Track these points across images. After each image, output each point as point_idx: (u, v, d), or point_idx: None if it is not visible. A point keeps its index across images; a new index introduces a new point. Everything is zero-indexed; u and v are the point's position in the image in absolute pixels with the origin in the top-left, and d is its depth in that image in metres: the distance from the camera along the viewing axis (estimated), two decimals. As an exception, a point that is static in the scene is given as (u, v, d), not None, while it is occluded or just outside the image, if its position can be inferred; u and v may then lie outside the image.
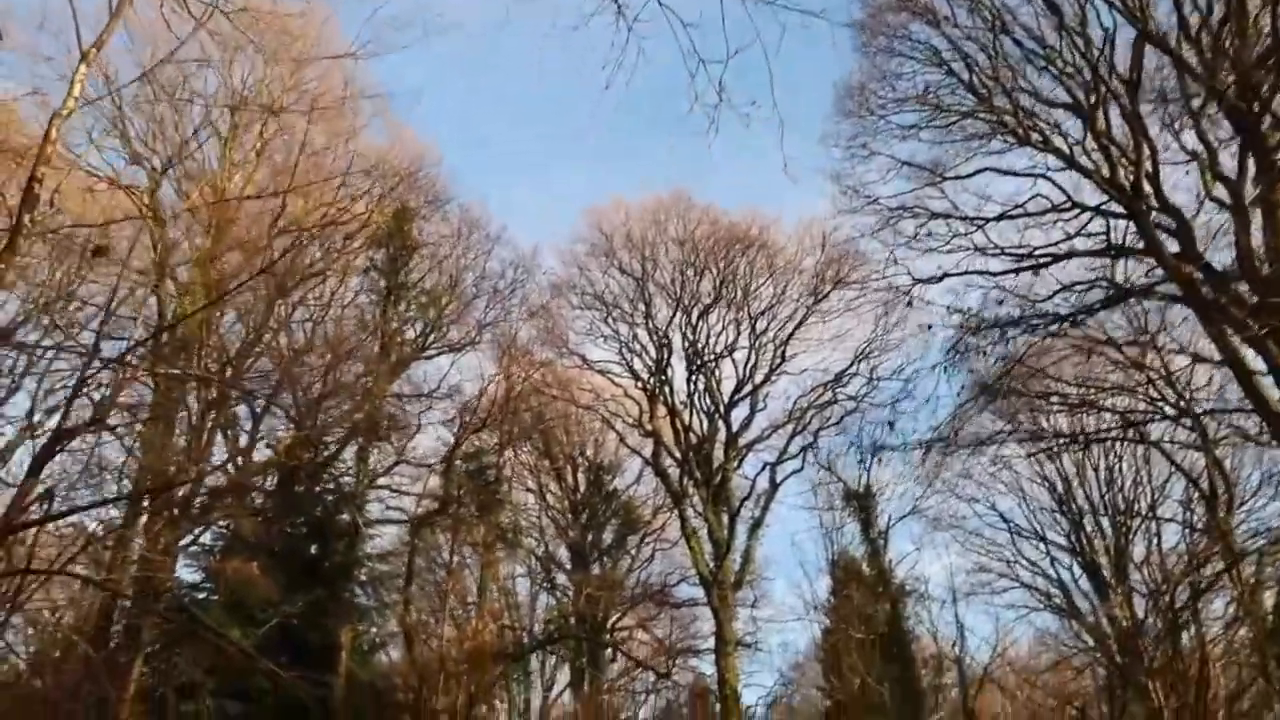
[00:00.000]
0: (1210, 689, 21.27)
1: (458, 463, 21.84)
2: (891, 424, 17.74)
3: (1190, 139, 16.96)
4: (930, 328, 19.76)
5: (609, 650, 34.06)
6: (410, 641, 20.11)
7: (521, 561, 34.20)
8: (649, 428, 31.69)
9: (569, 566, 34.86)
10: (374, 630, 19.68)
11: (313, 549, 18.31)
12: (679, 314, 32.59)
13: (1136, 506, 29.43)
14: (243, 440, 21.83)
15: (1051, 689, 22.15)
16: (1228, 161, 16.44)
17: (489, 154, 64.79)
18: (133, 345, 13.46)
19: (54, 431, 12.75)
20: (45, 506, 12.98)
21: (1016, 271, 20.04)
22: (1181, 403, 25.66)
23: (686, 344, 32.67)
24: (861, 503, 23.55)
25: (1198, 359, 20.73)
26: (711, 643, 30.35)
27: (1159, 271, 17.37)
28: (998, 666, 24.89)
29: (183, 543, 18.05)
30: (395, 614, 20.22)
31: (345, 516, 18.69)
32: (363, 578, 19.55)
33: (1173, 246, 16.85)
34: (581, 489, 35.96)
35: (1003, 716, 30.36)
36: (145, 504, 17.52)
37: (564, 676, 35.20)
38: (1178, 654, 23.43)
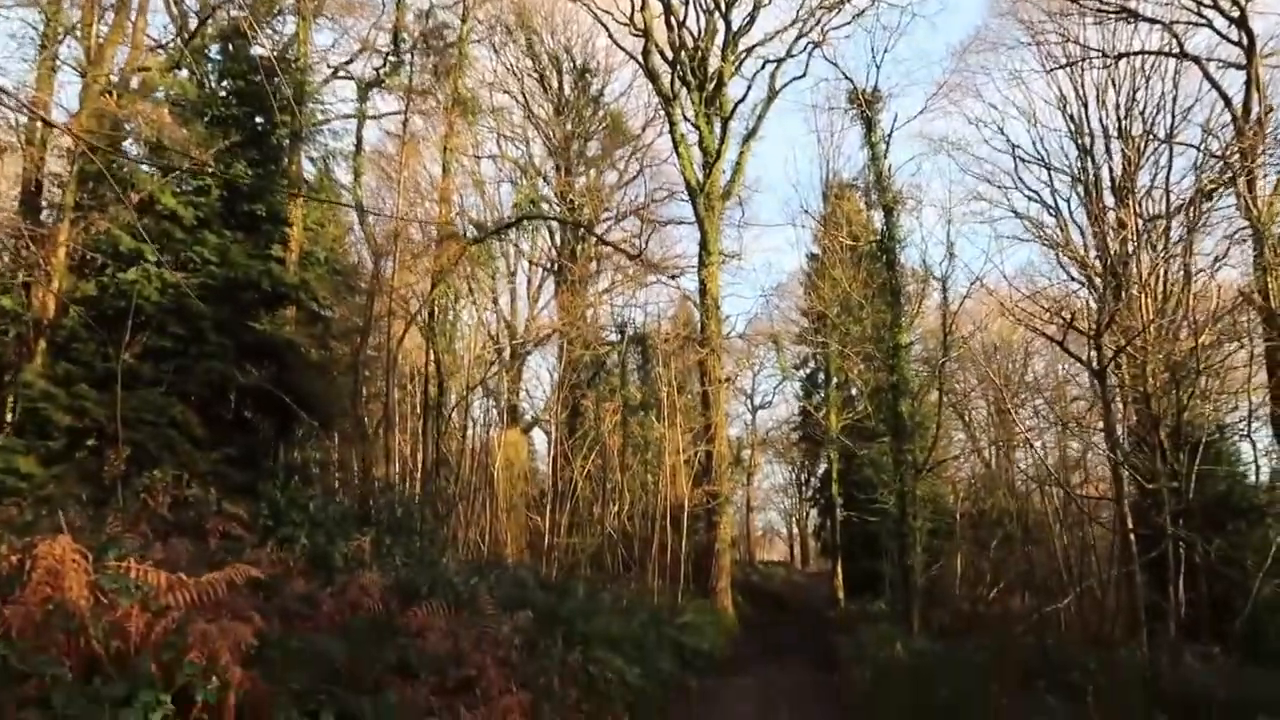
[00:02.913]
0: (1190, 312, 21.02)
1: (410, 20, 19.30)
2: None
3: None
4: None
5: (594, 263, 33.93)
6: (362, 215, 19.19)
7: (501, 167, 32.75)
8: (639, 24, 28.54)
9: (552, 177, 33.56)
10: (324, 206, 18.53)
11: (256, 121, 16.63)
12: (682, -117, 28.05)
13: (1154, 130, 28.01)
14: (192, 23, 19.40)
15: (1041, 302, 21.77)
16: None
17: None
18: None
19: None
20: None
21: None
22: (1235, 10, 23.36)
23: (688, -79, 28.48)
24: (867, 101, 21.47)
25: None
26: (695, 261, 29.82)
27: None
28: (980, 289, 24.51)
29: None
30: (349, 190, 19.06)
31: (290, 89, 16.73)
32: (313, 154, 18.13)
33: None
34: (567, 92, 33.57)
35: (980, 334, 30.80)
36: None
37: (549, 291, 35.29)
38: (1166, 278, 23.14)
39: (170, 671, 4.16)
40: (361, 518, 13.85)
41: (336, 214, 19.13)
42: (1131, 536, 17.53)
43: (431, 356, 19.42)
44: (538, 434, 35.15)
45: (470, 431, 24.95)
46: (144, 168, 15.92)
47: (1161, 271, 23.06)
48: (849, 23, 27.65)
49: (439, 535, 15.53)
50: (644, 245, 28.00)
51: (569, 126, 33.18)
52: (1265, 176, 20.92)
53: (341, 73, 19.50)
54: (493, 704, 6.23)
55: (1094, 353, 20.18)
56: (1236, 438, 23.09)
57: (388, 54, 19.49)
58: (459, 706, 5.93)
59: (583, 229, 29.47)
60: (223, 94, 16.85)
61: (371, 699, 5.18)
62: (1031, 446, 22.53)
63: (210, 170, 15.14)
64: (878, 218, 27.44)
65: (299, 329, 16.03)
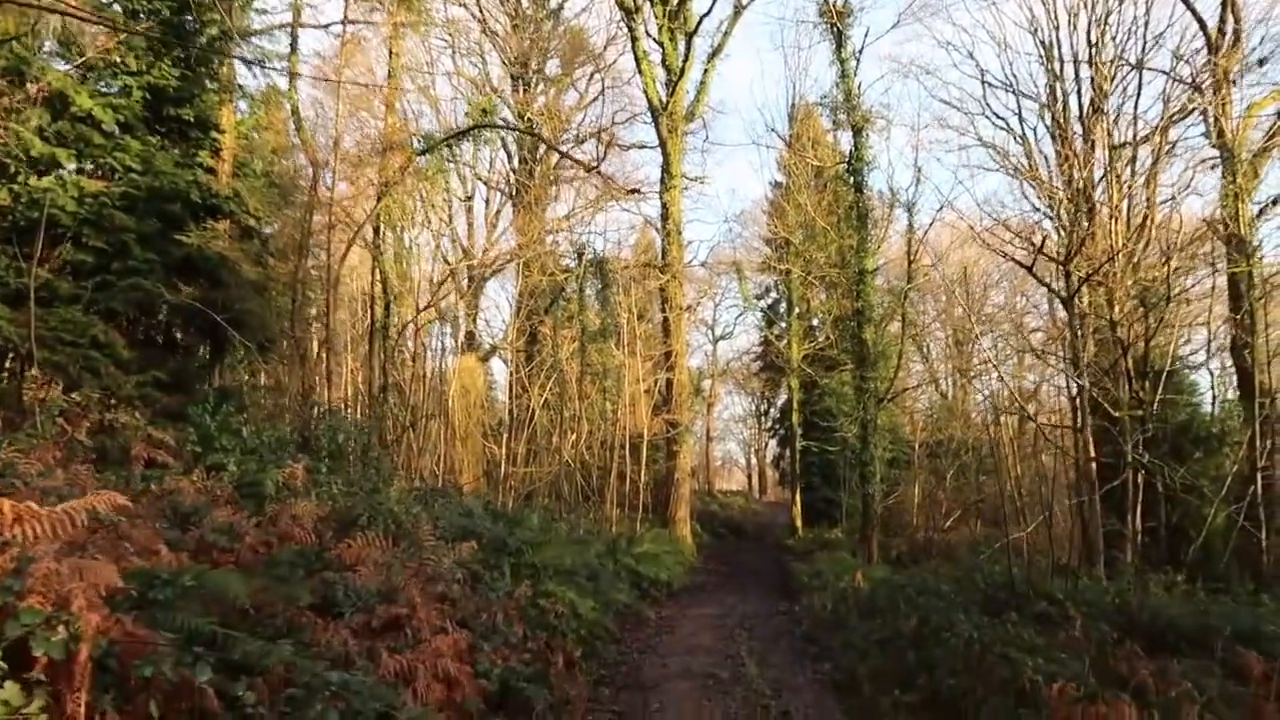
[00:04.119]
0: (1158, 240, 20.77)
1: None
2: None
3: None
4: None
5: (553, 186, 32.78)
6: (299, 124, 17.89)
7: (456, 84, 31.23)
8: (601, -70, 27.06)
9: (509, 96, 32.13)
10: (258, 112, 17.27)
11: (184, 18, 15.29)
12: None
13: (1125, 56, 27.64)
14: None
15: (1011, 227, 21.31)
16: None
17: None
18: None
19: None
20: None
21: None
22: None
23: None
24: (838, 14, 20.46)
25: None
26: (657, 187, 28.87)
27: None
28: (948, 213, 24.07)
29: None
30: (284, 96, 17.69)
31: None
32: (246, 56, 16.77)
33: None
34: (524, 4, 31.96)
35: (941, 264, 30.65)
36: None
37: (507, 218, 34.15)
38: (1131, 205, 22.89)
39: (3, 622, 3.47)
40: (300, 444, 13.11)
41: (274, 122, 17.80)
42: (1093, 465, 17.45)
43: (377, 276, 18.44)
44: (496, 363, 34.39)
45: (425, 357, 24.13)
46: (58, 65, 14.57)
47: (1129, 198, 22.82)
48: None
49: (385, 463, 14.84)
50: (602, 159, 27.01)
51: (526, 42, 31.66)
52: (1241, 100, 20.47)
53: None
54: (423, 645, 5.63)
55: (1061, 281, 19.88)
56: (1189, 369, 23.19)
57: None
58: (381, 650, 5.31)
59: (541, 140, 28.29)
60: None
61: (271, 645, 4.54)
62: (996, 372, 22.27)
63: (130, 69, 13.88)
64: (845, 140, 26.70)
65: (233, 245, 14.97)
